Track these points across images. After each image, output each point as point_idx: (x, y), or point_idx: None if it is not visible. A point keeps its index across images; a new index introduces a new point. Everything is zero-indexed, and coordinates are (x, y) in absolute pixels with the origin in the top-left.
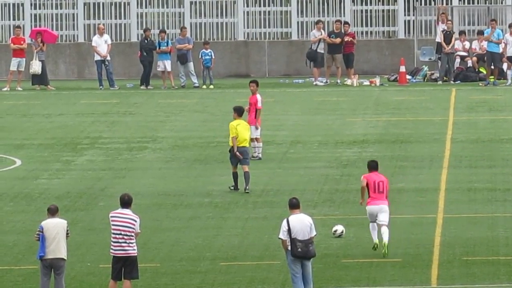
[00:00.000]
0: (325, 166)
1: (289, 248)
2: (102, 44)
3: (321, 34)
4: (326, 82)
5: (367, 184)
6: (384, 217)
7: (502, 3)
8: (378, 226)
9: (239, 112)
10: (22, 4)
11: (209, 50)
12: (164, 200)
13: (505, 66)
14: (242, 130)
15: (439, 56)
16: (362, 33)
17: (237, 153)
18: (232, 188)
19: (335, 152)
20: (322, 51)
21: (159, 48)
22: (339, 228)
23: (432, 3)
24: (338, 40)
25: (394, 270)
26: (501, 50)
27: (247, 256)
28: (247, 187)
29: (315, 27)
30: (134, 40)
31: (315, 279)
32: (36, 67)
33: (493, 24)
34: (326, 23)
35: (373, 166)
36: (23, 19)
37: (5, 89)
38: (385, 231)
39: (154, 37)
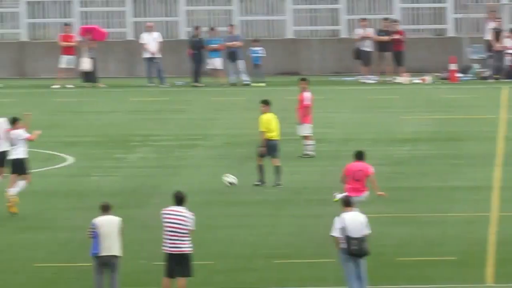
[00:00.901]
0: (377, 164)
1: (343, 246)
2: (151, 41)
3: (366, 32)
4: (376, 80)
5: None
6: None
7: None
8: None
9: (268, 104)
10: (71, 2)
11: (259, 48)
12: (217, 197)
13: None
14: (273, 124)
15: (489, 54)
16: (411, 31)
17: (261, 148)
18: (259, 183)
19: (387, 150)
20: (369, 49)
21: (209, 45)
22: (230, 179)
23: (482, 0)
24: (386, 38)
25: (448, 269)
26: None
27: (301, 254)
28: (279, 182)
29: (360, 25)
30: (183, 37)
31: (369, 277)
32: (86, 64)
33: None
34: (375, 21)
35: (358, 156)
36: (73, 17)
37: (55, 86)
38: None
39: (203, 34)
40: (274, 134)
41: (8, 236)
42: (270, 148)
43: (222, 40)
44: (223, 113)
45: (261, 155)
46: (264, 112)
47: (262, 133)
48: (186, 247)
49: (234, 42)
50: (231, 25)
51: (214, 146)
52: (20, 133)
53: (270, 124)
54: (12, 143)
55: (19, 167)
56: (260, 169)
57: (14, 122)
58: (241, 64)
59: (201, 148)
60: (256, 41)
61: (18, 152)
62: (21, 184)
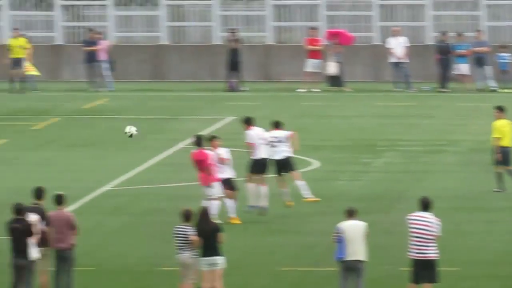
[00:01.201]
0: None
1: None
2: (397, 46)
3: None
4: None
5: None
6: None
7: None
8: None
9: (502, 110)
10: (318, 6)
11: (506, 54)
12: (463, 203)
13: None
14: (507, 131)
15: None
16: None
17: (498, 154)
18: (499, 190)
19: None
20: None
21: (456, 50)
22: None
23: None
24: None
25: None
26: None
27: None
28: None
29: None
30: (429, 42)
31: None
32: (332, 68)
33: None
34: None
35: None
36: (319, 21)
37: (301, 90)
38: None
39: (451, 39)
40: (507, 141)
41: (253, 239)
42: (503, 155)
43: (470, 46)
44: (470, 119)
45: (497, 162)
46: (498, 118)
47: (495, 140)
48: (432, 253)
49: (481, 48)
50: (479, 31)
51: (460, 152)
52: (281, 134)
53: (503, 130)
54: (273, 145)
55: (285, 166)
56: (499, 176)
57: (276, 125)
58: (488, 70)
59: (448, 154)
60: (503, 47)
61: (283, 151)
62: (303, 185)
